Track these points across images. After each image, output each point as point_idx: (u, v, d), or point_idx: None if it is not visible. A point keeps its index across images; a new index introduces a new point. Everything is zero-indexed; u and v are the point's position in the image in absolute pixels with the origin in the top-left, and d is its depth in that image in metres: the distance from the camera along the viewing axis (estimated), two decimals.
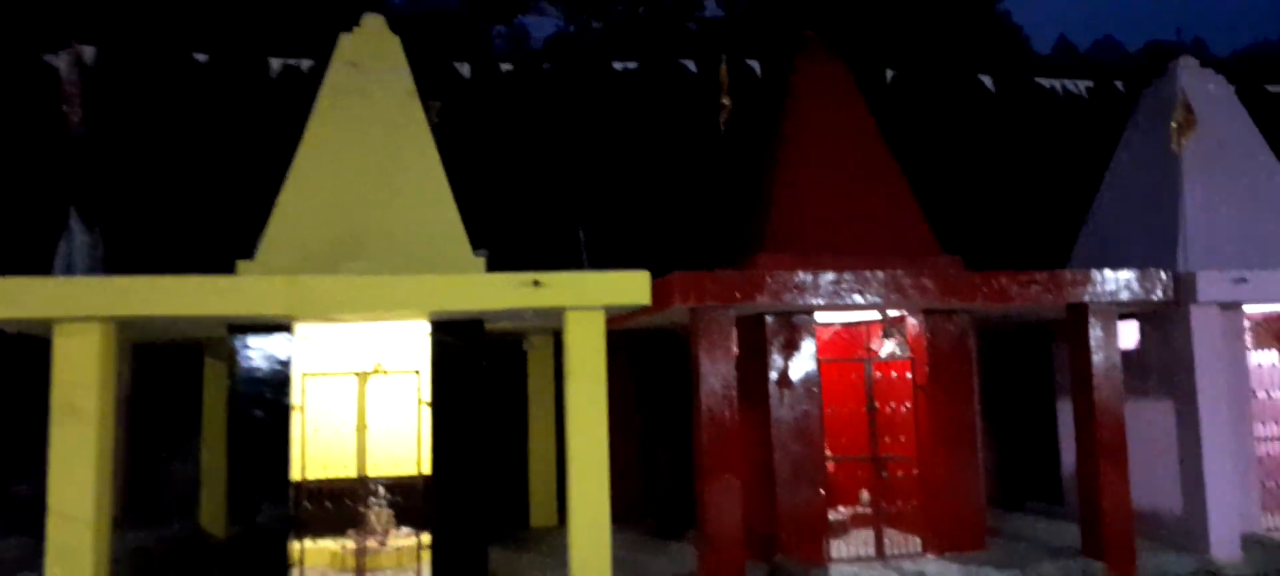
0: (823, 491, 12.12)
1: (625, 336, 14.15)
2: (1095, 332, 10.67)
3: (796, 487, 10.79)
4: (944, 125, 21.74)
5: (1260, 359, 12.40)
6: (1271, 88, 12.61)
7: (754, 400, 11.38)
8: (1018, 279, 10.35)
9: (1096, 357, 10.64)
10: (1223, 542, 10.69)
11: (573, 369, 9.52)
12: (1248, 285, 10.66)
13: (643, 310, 10.67)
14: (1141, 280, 10.56)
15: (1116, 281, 10.56)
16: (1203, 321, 10.88)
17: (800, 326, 11.10)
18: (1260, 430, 12.21)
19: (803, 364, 11.02)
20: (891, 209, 12.14)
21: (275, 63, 12.06)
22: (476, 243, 10.54)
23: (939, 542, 11.12)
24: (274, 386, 9.83)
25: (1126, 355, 12.56)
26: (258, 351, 9.86)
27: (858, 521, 11.91)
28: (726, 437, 9.90)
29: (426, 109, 11.14)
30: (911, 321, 11.60)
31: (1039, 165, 22.75)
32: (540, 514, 13.72)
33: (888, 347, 12.02)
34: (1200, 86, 13.21)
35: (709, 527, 9.84)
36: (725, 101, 10.61)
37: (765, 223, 12.06)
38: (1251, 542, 11.22)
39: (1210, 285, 10.67)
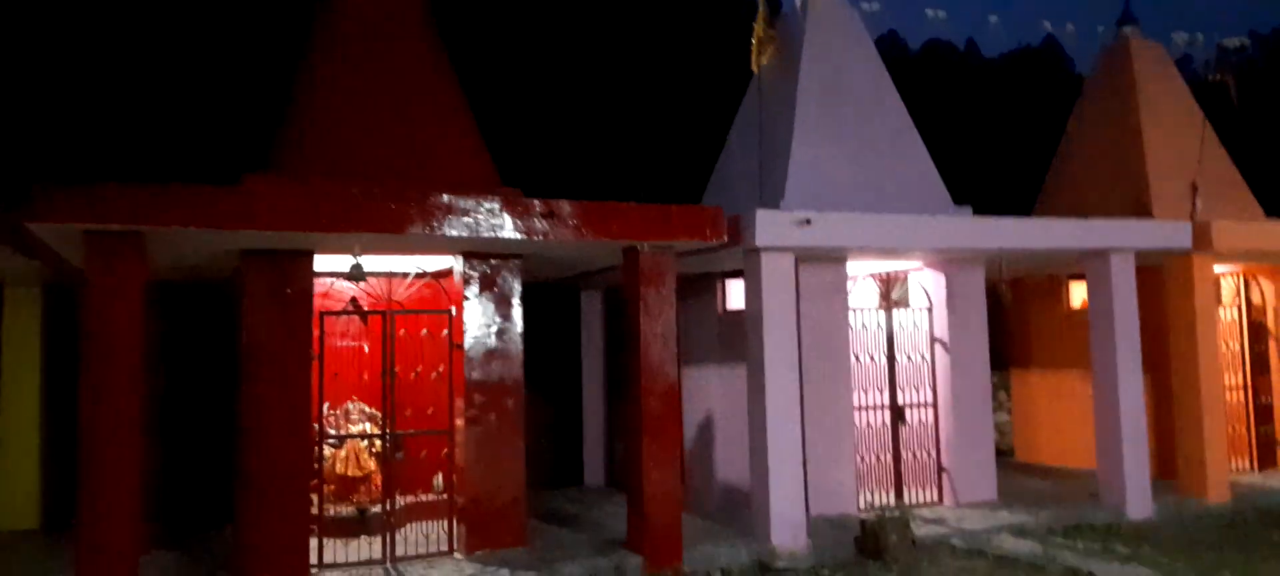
0: (369, 488, 9.90)
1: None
2: (648, 281, 8.80)
3: (276, 480, 8.32)
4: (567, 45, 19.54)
5: (866, 321, 11.11)
6: None
7: (228, 367, 8.86)
8: (535, 209, 8.24)
9: (646, 310, 8.77)
10: (784, 528, 9.11)
11: None
12: (814, 228, 9.02)
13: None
14: (689, 218, 8.72)
15: (664, 218, 8.68)
16: (772, 271, 9.24)
17: (294, 270, 8.63)
18: (861, 398, 10.93)
19: (293, 317, 8.55)
20: (444, 131, 9.84)
21: None
22: None
23: (472, 538, 9.03)
24: None
25: (733, 317, 10.98)
26: None
27: (423, 512, 9.66)
28: (118, 409, 7.26)
29: None
30: (457, 270, 9.40)
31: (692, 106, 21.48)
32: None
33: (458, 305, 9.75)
34: (829, 15, 11.82)
35: (87, 531, 7.19)
36: None
37: (277, 135, 9.50)
38: (834, 525, 9.82)
39: (769, 226, 8.96)
